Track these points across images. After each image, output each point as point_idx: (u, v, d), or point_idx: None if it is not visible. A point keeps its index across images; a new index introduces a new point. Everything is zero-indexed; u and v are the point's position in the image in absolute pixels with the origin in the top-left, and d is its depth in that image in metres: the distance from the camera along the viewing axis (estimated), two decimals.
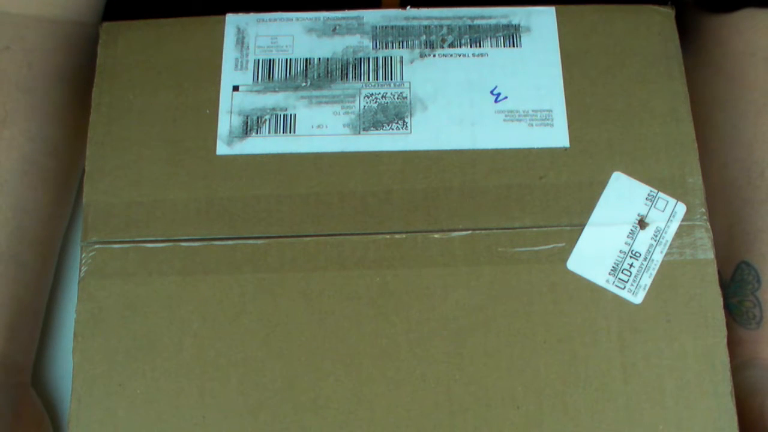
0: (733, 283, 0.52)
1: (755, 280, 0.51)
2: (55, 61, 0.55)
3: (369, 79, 0.49)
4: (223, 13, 0.50)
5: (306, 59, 0.49)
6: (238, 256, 0.46)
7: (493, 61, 0.49)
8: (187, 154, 0.47)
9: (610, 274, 0.45)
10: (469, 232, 0.46)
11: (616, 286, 0.45)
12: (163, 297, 0.45)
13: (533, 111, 0.48)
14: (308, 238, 0.46)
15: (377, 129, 0.48)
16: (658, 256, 0.46)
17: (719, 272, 0.45)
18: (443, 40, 0.49)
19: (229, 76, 0.49)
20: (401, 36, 0.50)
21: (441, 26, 0.50)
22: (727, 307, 0.45)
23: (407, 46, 0.49)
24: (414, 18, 0.50)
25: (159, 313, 0.45)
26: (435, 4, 0.50)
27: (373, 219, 0.46)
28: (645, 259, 0.45)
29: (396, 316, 0.45)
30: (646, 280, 0.45)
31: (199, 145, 0.47)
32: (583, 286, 0.45)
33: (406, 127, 0.48)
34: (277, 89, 0.49)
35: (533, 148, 0.47)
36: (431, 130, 0.48)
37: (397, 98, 0.48)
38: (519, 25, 0.50)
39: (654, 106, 0.48)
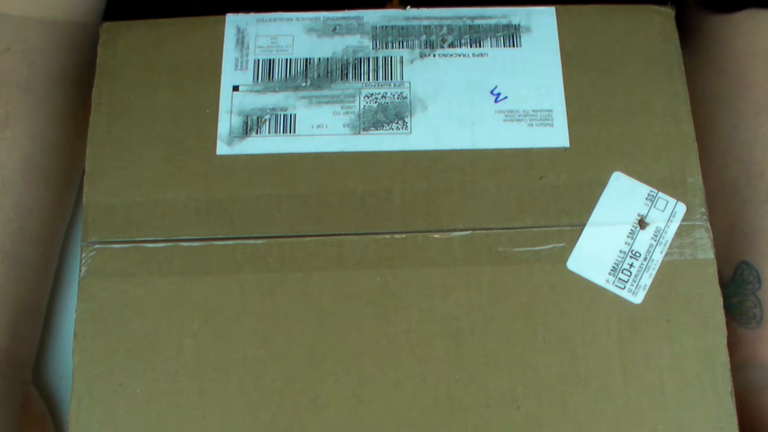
0: (734, 283, 0.52)
1: (755, 280, 0.51)
2: (56, 61, 0.55)
3: (369, 79, 0.49)
4: (223, 13, 0.50)
5: (306, 59, 0.49)
6: (238, 256, 0.46)
7: (493, 61, 0.49)
8: (187, 154, 0.47)
9: (610, 274, 0.45)
10: (469, 232, 0.46)
11: (616, 286, 0.45)
12: (163, 297, 0.45)
13: (533, 111, 0.48)
14: (308, 238, 0.46)
15: (377, 129, 0.48)
16: (658, 256, 0.46)
17: (719, 272, 0.45)
18: (443, 40, 0.49)
19: (229, 76, 0.49)
20: (401, 36, 0.50)
21: (441, 26, 0.50)
22: (728, 307, 0.45)
23: (407, 46, 0.49)
24: (414, 18, 0.50)
25: (159, 313, 0.45)
26: (435, 4, 0.50)
27: (373, 219, 0.46)
28: (645, 259, 0.45)
29: (396, 316, 0.45)
30: (646, 280, 0.45)
31: (199, 145, 0.47)
32: (583, 286, 0.45)
33: (406, 127, 0.48)
34: (277, 89, 0.49)
35: (533, 148, 0.47)
36: (431, 130, 0.48)
37: (397, 98, 0.48)
38: (519, 25, 0.50)
39: (654, 106, 0.48)
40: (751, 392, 0.48)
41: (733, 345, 0.45)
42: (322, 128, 0.48)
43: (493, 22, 0.50)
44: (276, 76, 0.49)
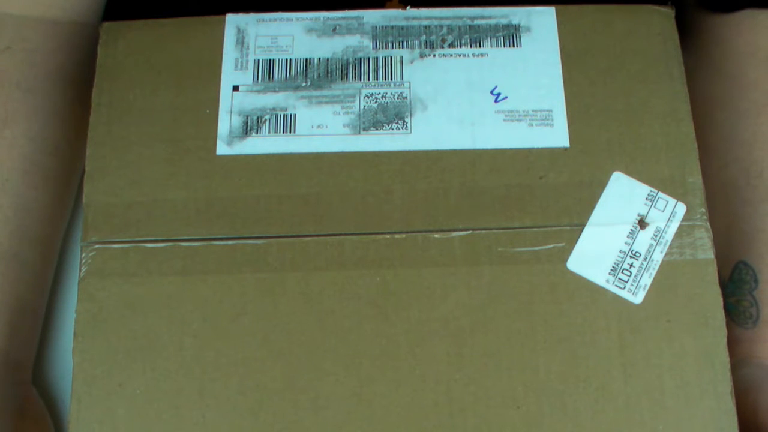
0: (731, 282, 0.52)
1: (753, 280, 0.51)
2: (56, 61, 0.55)
3: (369, 79, 0.49)
4: (223, 13, 0.50)
5: (306, 59, 0.49)
6: (238, 256, 0.46)
7: (493, 61, 0.49)
8: (187, 154, 0.47)
9: (610, 274, 0.45)
10: (469, 232, 0.46)
11: (616, 286, 0.45)
12: (163, 297, 0.45)
13: (533, 111, 0.48)
14: (308, 238, 0.46)
15: (377, 129, 0.48)
16: (658, 256, 0.46)
17: (717, 272, 0.46)
18: (443, 40, 0.49)
19: (229, 76, 0.49)
20: (401, 36, 0.50)
21: (441, 26, 0.50)
22: (725, 307, 0.45)
23: (407, 46, 0.49)
24: (414, 18, 0.50)
25: (159, 313, 0.45)
26: (435, 4, 0.50)
27: (373, 219, 0.46)
28: (645, 259, 0.45)
29: (396, 316, 0.45)
30: (646, 280, 0.45)
31: (199, 145, 0.47)
32: (583, 286, 0.45)
33: (406, 127, 0.48)
34: (277, 89, 0.49)
35: (533, 148, 0.47)
36: (431, 130, 0.48)
37: (397, 98, 0.48)
38: (519, 25, 0.50)
39: (654, 106, 0.48)
40: (746, 390, 0.48)
41: (730, 344, 0.45)
42: (322, 128, 0.48)
43: (493, 22, 0.50)
44: (276, 76, 0.49)
